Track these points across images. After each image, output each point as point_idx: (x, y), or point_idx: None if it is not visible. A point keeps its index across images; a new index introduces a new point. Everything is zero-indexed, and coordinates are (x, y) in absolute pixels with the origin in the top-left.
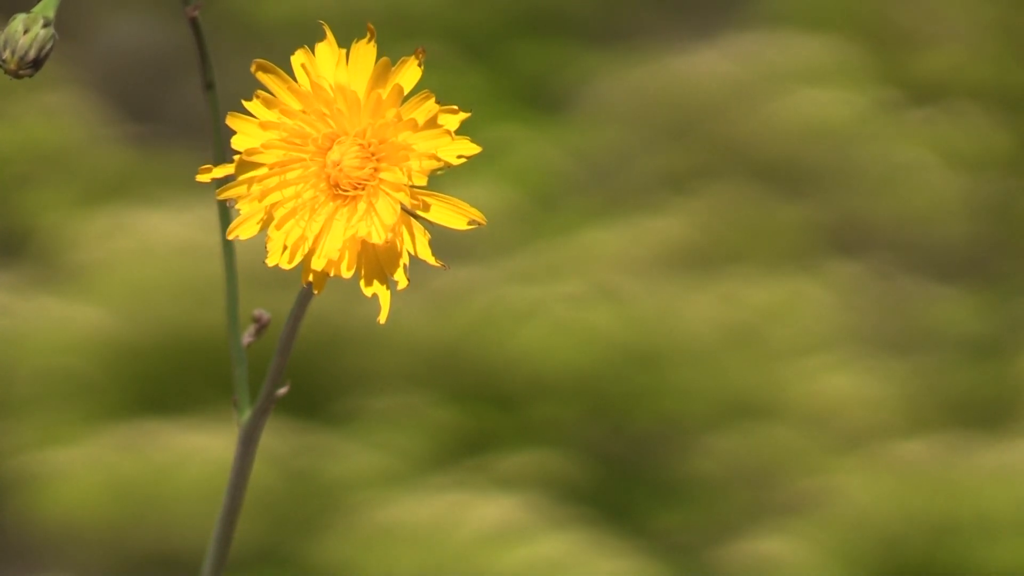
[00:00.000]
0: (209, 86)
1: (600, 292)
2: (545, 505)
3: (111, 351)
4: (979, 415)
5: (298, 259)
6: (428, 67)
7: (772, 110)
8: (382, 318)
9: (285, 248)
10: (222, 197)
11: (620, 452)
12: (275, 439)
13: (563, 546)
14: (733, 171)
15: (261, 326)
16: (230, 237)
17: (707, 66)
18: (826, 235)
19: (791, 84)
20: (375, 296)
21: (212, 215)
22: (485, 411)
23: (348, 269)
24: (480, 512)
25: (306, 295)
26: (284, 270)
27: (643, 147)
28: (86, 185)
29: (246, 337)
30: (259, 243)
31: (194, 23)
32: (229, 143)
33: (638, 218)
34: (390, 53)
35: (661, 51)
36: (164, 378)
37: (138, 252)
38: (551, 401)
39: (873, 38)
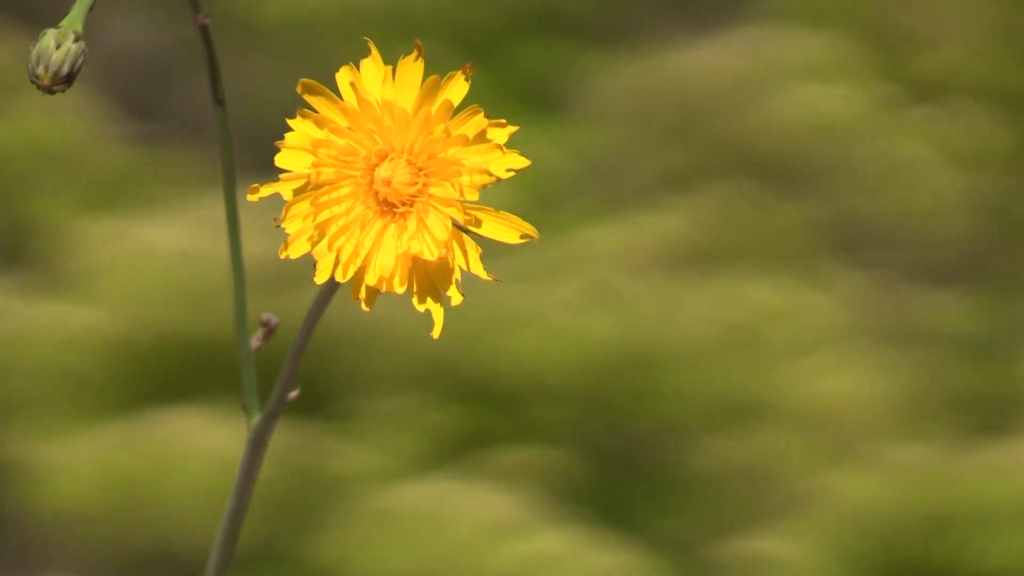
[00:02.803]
0: (219, 102)
1: (599, 292)
2: (543, 501)
3: (111, 353)
4: (979, 415)
5: (350, 275)
6: (428, 67)
7: (773, 106)
8: (436, 333)
9: (337, 264)
10: (284, 224)
11: (618, 453)
12: (275, 437)
13: (561, 542)
14: (733, 170)
15: (269, 330)
16: (282, 256)
17: (708, 62)
18: (826, 235)
19: (792, 80)
20: (427, 311)
21: (214, 217)
22: (484, 412)
23: (400, 285)
24: (478, 507)
25: (323, 301)
26: (291, 273)
27: (643, 146)
28: (88, 184)
29: (254, 341)
30: (265, 248)
31: (204, 31)
32: (234, 145)
33: (638, 217)
34: (391, 53)
35: (662, 49)
36: (164, 381)
37: (139, 254)
38: (550, 402)
39: (873, 36)
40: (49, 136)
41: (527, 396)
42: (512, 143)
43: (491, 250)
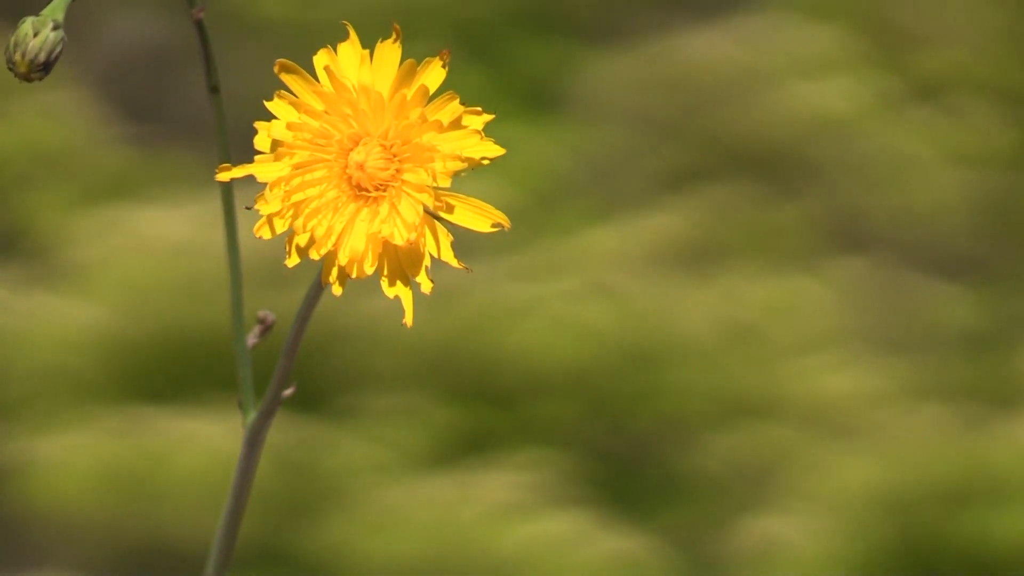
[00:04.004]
0: (214, 90)
1: (599, 290)
2: (547, 488)
3: (108, 349)
4: (979, 411)
5: (323, 252)
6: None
7: (773, 101)
8: (407, 319)
9: (310, 244)
10: (258, 206)
11: (620, 450)
12: (274, 436)
13: (565, 526)
14: (733, 167)
15: (266, 327)
16: (256, 235)
17: (708, 54)
18: (826, 232)
19: (793, 74)
20: (396, 297)
21: (210, 214)
22: (484, 409)
23: (370, 267)
24: (482, 495)
25: (313, 297)
26: (289, 271)
27: (643, 144)
28: (85, 184)
29: (251, 338)
30: (262, 244)
31: (199, 25)
32: (232, 142)
33: (637, 216)
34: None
35: (661, 45)
36: (161, 376)
37: (136, 251)
38: (550, 399)
39: (876, 31)
40: (46, 137)
41: (528, 393)
42: (511, 141)
43: (491, 249)
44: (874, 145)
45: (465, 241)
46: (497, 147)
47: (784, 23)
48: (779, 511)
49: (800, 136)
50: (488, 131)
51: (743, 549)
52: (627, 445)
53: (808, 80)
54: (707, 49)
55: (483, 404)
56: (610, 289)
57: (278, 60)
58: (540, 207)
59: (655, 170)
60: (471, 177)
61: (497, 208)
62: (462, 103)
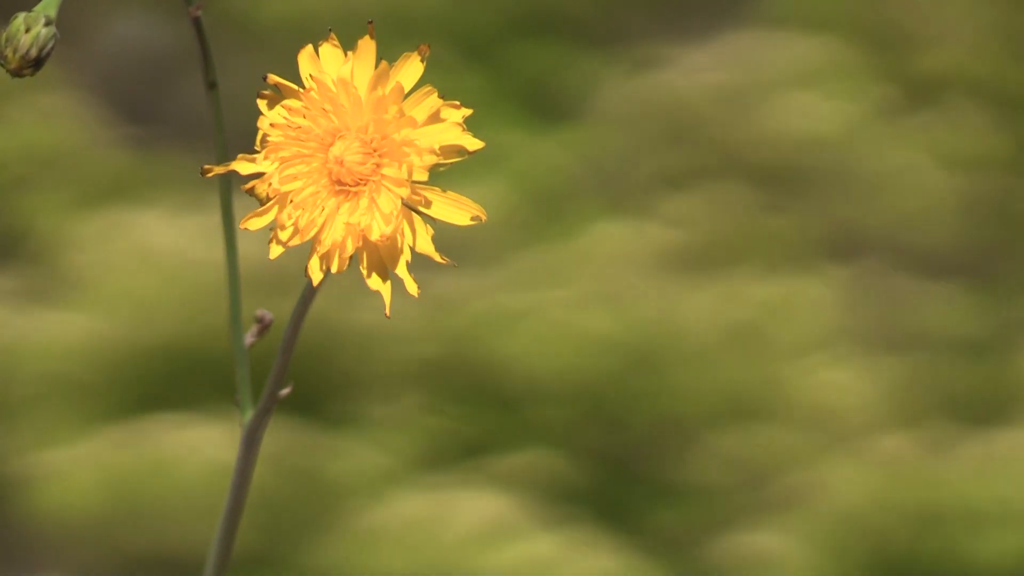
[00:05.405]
0: (212, 86)
1: (599, 295)
2: (537, 504)
3: (107, 356)
4: (975, 415)
5: (305, 239)
6: (428, 69)
7: (768, 114)
8: (387, 311)
9: (292, 236)
10: (249, 189)
11: (617, 453)
12: (271, 441)
13: (554, 545)
14: (731, 173)
15: (264, 327)
16: (243, 227)
17: (704, 69)
18: (823, 236)
19: (787, 88)
20: (379, 291)
21: (209, 218)
22: (482, 414)
23: (349, 259)
24: (472, 511)
25: (308, 296)
26: (289, 277)
27: (642, 150)
28: (83, 188)
29: (249, 337)
30: (261, 254)
31: (197, 23)
32: (231, 142)
33: (637, 221)
34: (389, 54)
35: (659, 53)
36: (161, 383)
37: (135, 256)
38: (549, 403)
39: (871, 38)
40: (44, 139)
41: (526, 398)
42: (511, 146)
43: (490, 254)
44: (868, 153)
45: (465, 245)
46: (476, 140)
47: (777, 35)
48: (766, 525)
49: (796, 145)
50: (489, 135)
51: (729, 565)
52: (624, 448)
53: (803, 91)
54: (704, 64)
55: (481, 409)
56: (610, 293)
57: (267, 74)
58: (540, 212)
59: (654, 175)
60: (470, 181)
61: (498, 212)
62: (441, 96)
